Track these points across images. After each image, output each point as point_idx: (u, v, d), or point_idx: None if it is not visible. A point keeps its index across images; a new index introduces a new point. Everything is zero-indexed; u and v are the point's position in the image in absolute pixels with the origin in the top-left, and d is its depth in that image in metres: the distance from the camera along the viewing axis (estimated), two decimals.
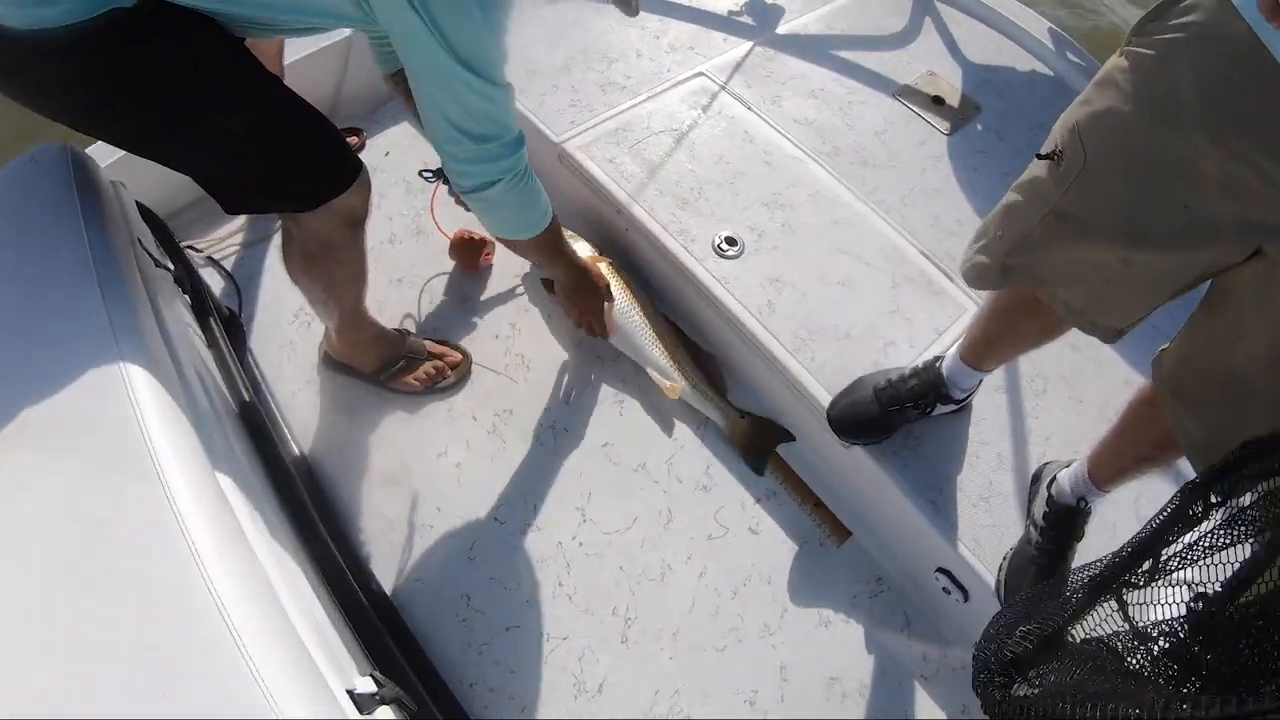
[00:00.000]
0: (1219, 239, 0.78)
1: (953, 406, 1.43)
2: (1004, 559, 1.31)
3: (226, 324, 1.49)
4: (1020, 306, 1.11)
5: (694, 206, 1.66)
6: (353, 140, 1.93)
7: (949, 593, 1.37)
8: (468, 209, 1.19)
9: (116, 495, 0.72)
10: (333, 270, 1.26)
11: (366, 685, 0.76)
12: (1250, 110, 0.71)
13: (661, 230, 1.60)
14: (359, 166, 1.12)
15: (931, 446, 1.43)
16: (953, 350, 1.36)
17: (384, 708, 0.75)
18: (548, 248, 1.32)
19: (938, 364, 1.38)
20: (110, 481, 0.73)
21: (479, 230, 1.69)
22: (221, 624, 0.65)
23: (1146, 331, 1.00)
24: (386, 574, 1.35)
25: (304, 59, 1.78)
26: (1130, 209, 0.83)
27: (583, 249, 1.64)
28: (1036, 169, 0.94)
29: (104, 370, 0.80)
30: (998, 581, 1.30)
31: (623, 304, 1.60)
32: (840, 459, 1.47)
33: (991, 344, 1.26)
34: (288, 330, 1.62)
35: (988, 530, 1.36)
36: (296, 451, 1.45)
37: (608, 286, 1.56)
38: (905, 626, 1.43)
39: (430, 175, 1.46)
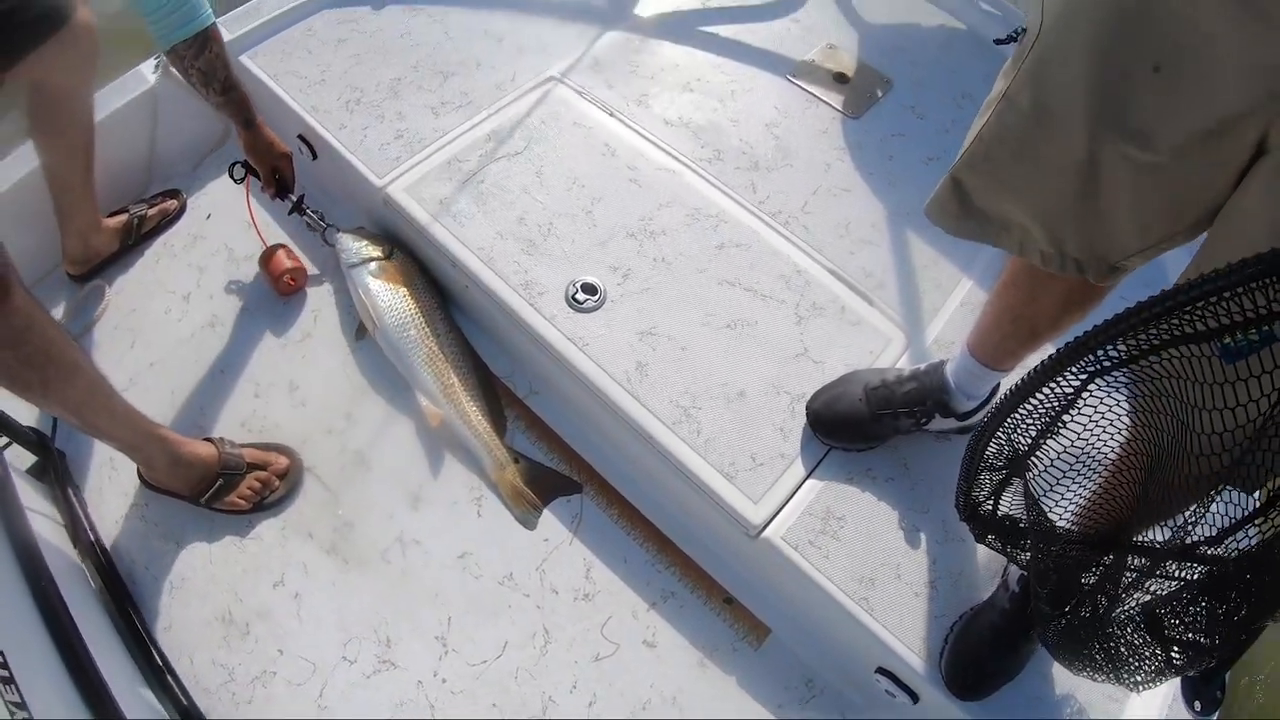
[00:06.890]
0: (1228, 117, 0.60)
1: (955, 423, 1.18)
2: (949, 630, 1.12)
3: (37, 449, 1.33)
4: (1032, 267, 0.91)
5: (543, 249, 1.36)
6: (170, 204, 1.66)
7: (893, 696, 1.14)
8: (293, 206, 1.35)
9: None
10: (29, 379, 1.03)
11: None
12: None
13: (503, 285, 1.31)
14: None
15: (857, 527, 1.17)
16: (960, 345, 1.11)
17: None
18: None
19: (943, 366, 1.17)
20: None
21: (297, 254, 1.58)
22: None
23: None
24: None
25: (109, 118, 1.52)
26: (1095, 78, 0.67)
27: (371, 250, 1.46)
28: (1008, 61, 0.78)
29: None
30: (945, 660, 1.09)
31: (402, 312, 1.40)
32: (749, 547, 1.20)
33: (1005, 329, 1.00)
34: (105, 447, 1.37)
35: (935, 622, 1.12)
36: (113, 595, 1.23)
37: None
38: None
39: (240, 171, 1.47)
